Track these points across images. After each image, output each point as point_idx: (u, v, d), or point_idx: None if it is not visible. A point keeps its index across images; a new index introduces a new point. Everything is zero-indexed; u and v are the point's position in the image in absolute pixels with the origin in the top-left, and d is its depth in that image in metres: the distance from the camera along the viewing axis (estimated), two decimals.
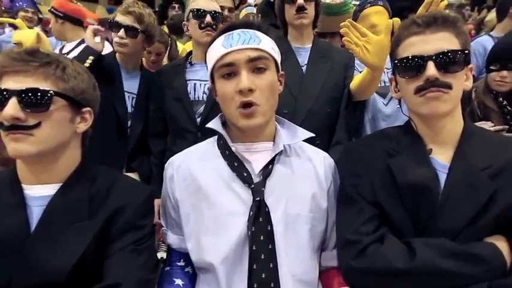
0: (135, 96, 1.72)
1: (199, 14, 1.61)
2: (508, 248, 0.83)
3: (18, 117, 0.79)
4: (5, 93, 0.80)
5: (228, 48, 0.91)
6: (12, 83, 0.81)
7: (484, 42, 2.43)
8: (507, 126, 1.81)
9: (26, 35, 1.92)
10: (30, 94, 0.80)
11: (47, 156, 0.85)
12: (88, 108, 0.91)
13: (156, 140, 1.71)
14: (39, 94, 0.81)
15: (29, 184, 0.87)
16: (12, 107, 0.79)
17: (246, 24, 0.96)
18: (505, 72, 1.84)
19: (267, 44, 0.95)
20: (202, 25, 1.59)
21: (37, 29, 1.95)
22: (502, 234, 0.86)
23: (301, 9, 1.54)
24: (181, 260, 1.01)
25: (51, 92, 0.82)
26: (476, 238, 0.84)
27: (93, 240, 0.83)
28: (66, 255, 0.81)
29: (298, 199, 0.94)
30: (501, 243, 0.84)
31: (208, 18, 1.59)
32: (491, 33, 2.65)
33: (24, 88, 0.80)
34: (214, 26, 1.60)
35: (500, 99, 1.88)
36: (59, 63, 0.85)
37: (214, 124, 0.99)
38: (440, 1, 1.31)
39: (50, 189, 0.86)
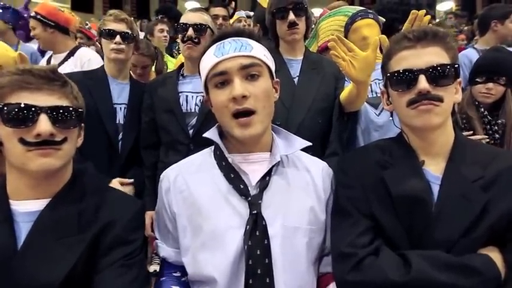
0: (126, 106, 1.72)
1: (182, 28, 1.61)
2: (502, 259, 0.84)
3: (53, 133, 0.81)
4: (35, 109, 0.81)
5: (219, 57, 0.91)
6: (37, 100, 0.82)
7: (470, 55, 2.47)
8: (486, 136, 1.86)
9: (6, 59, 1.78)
10: (61, 111, 0.84)
11: (59, 171, 0.87)
12: (83, 124, 0.94)
13: (149, 152, 1.70)
14: (69, 111, 0.86)
15: (17, 200, 0.86)
16: (47, 124, 0.81)
17: (237, 32, 0.96)
18: (490, 85, 1.87)
19: (259, 51, 0.94)
20: (185, 38, 1.59)
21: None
22: (494, 245, 0.86)
23: (292, 25, 1.55)
24: (177, 271, 0.99)
25: (80, 110, 0.89)
26: (470, 249, 0.85)
27: (82, 255, 0.82)
28: (55, 270, 0.80)
29: (296, 212, 0.93)
30: (495, 255, 0.84)
31: (189, 32, 1.58)
32: (475, 46, 2.68)
33: (55, 105, 0.83)
34: (196, 39, 1.59)
35: (482, 109, 1.91)
36: (70, 84, 0.90)
37: (211, 134, 0.97)
38: (424, 16, 1.33)
39: (38, 205, 0.86)
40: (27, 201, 0.86)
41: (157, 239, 1.05)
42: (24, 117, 0.81)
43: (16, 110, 0.80)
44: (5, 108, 0.81)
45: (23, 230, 0.83)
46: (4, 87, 0.83)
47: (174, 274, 0.99)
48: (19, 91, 0.82)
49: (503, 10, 2.57)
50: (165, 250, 1.01)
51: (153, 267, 2.61)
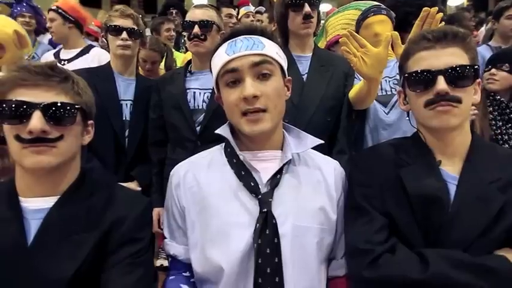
0: (132, 102, 1.72)
1: (188, 25, 1.60)
2: None
3: (45, 130, 0.80)
4: (29, 106, 0.80)
5: (231, 55, 0.90)
6: (33, 97, 0.81)
7: (483, 53, 2.44)
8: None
9: (3, 36, 1.72)
10: (56, 108, 0.82)
11: (59, 169, 0.85)
12: (91, 121, 0.93)
13: (157, 148, 1.70)
14: (66, 108, 0.83)
15: (27, 197, 0.86)
16: (40, 121, 0.79)
17: (250, 30, 0.95)
18: (493, 70, 1.90)
19: (272, 49, 0.93)
20: (191, 36, 1.58)
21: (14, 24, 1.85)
22: (510, 246, 0.86)
23: (307, 18, 1.53)
24: (187, 271, 0.97)
25: (77, 106, 0.86)
26: (486, 250, 0.85)
27: (90, 253, 0.82)
28: (64, 268, 0.80)
29: (307, 211, 0.92)
30: (511, 256, 0.83)
31: (195, 29, 1.57)
32: (489, 43, 2.66)
33: (49, 102, 0.81)
34: (202, 36, 1.58)
35: (497, 97, 1.91)
36: (74, 79, 0.88)
37: (223, 130, 0.96)
38: (436, 13, 1.29)
39: (47, 202, 0.85)
40: (36, 198, 0.85)
41: (165, 237, 1.03)
42: (18, 114, 0.80)
43: (11, 106, 0.80)
44: (2, 105, 0.80)
45: (33, 227, 0.83)
46: (4, 85, 0.82)
47: (183, 274, 0.98)
48: (17, 88, 0.82)
49: None
50: (175, 247, 0.99)
51: (160, 262, 2.63)
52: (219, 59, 0.93)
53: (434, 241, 0.87)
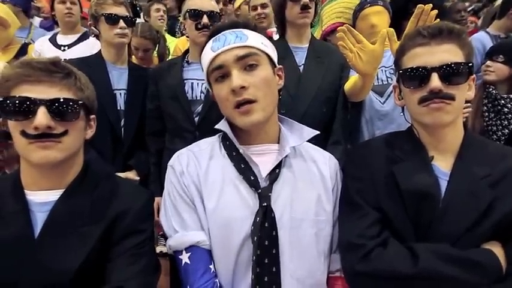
0: (126, 91, 1.69)
1: (195, 14, 1.57)
2: (504, 254, 0.87)
3: (50, 126, 0.82)
4: (33, 102, 0.81)
5: (216, 51, 0.92)
6: (36, 93, 0.82)
7: (482, 39, 2.44)
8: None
9: None
10: (60, 104, 0.84)
11: (64, 163, 0.87)
12: (93, 116, 0.95)
13: (154, 138, 1.70)
14: (70, 104, 0.85)
15: (32, 190, 0.88)
16: (45, 117, 0.81)
17: (232, 25, 0.96)
18: (489, 62, 1.97)
19: (256, 39, 0.94)
20: (199, 26, 1.56)
21: None
22: (497, 240, 0.88)
23: (305, 8, 1.54)
24: (212, 261, 0.92)
25: (81, 102, 0.88)
26: (474, 244, 0.87)
27: (96, 244, 0.85)
28: (70, 259, 0.82)
29: (303, 203, 0.94)
30: (497, 250, 0.87)
31: (205, 19, 1.55)
32: (487, 29, 2.63)
33: (54, 98, 0.83)
34: (211, 27, 1.56)
35: (490, 89, 1.98)
36: (76, 74, 0.89)
37: (222, 125, 0.97)
38: (431, 10, 1.27)
39: (53, 195, 0.87)
40: (41, 191, 0.87)
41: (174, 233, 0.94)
42: (23, 110, 0.81)
43: (15, 103, 0.81)
44: (7, 101, 0.82)
45: (39, 219, 0.85)
46: (9, 81, 0.83)
47: (211, 267, 0.91)
48: (21, 84, 0.83)
49: None
50: (195, 235, 0.91)
51: (159, 249, 2.65)
52: (206, 56, 0.95)
53: (425, 235, 0.89)
